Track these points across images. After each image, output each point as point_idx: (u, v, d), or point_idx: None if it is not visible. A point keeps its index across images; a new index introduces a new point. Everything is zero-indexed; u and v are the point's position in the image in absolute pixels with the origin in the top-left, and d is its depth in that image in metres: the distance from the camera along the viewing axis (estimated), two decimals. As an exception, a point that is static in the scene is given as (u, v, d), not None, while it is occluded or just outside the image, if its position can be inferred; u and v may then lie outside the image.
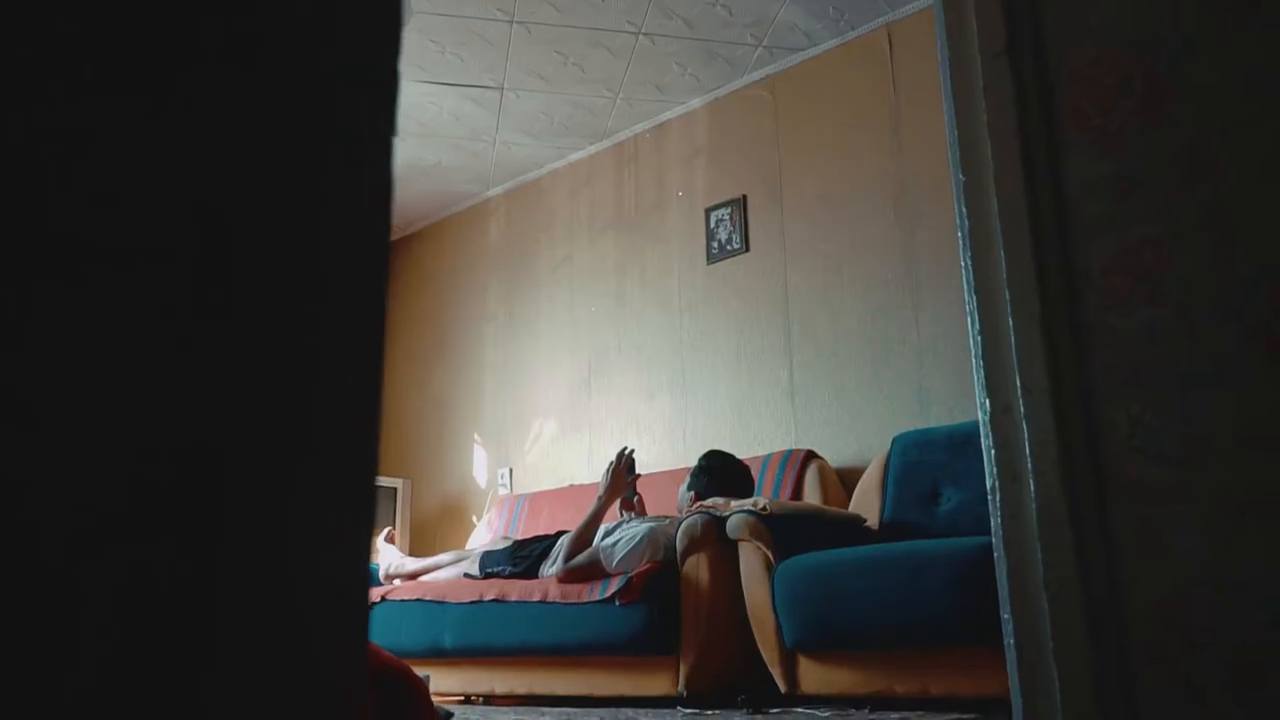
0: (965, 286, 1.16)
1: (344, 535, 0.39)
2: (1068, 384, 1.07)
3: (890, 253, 4.03)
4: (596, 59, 4.44)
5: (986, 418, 1.12)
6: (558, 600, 3.30)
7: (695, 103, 4.81)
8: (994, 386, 1.12)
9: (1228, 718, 0.99)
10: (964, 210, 1.18)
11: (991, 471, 1.11)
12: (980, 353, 1.13)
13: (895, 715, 2.51)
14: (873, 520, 3.41)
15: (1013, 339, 1.10)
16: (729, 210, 4.60)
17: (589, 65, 4.48)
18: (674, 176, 4.86)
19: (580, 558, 3.35)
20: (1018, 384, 1.09)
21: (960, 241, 1.18)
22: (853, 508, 3.56)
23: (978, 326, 1.14)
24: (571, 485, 4.73)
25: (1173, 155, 1.06)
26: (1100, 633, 1.01)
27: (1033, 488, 1.07)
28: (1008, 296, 1.11)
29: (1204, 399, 1.01)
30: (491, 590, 3.51)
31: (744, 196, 4.56)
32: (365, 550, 0.41)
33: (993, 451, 1.11)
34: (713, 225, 4.65)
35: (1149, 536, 1.02)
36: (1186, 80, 1.07)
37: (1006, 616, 1.07)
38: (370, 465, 0.41)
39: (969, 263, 1.16)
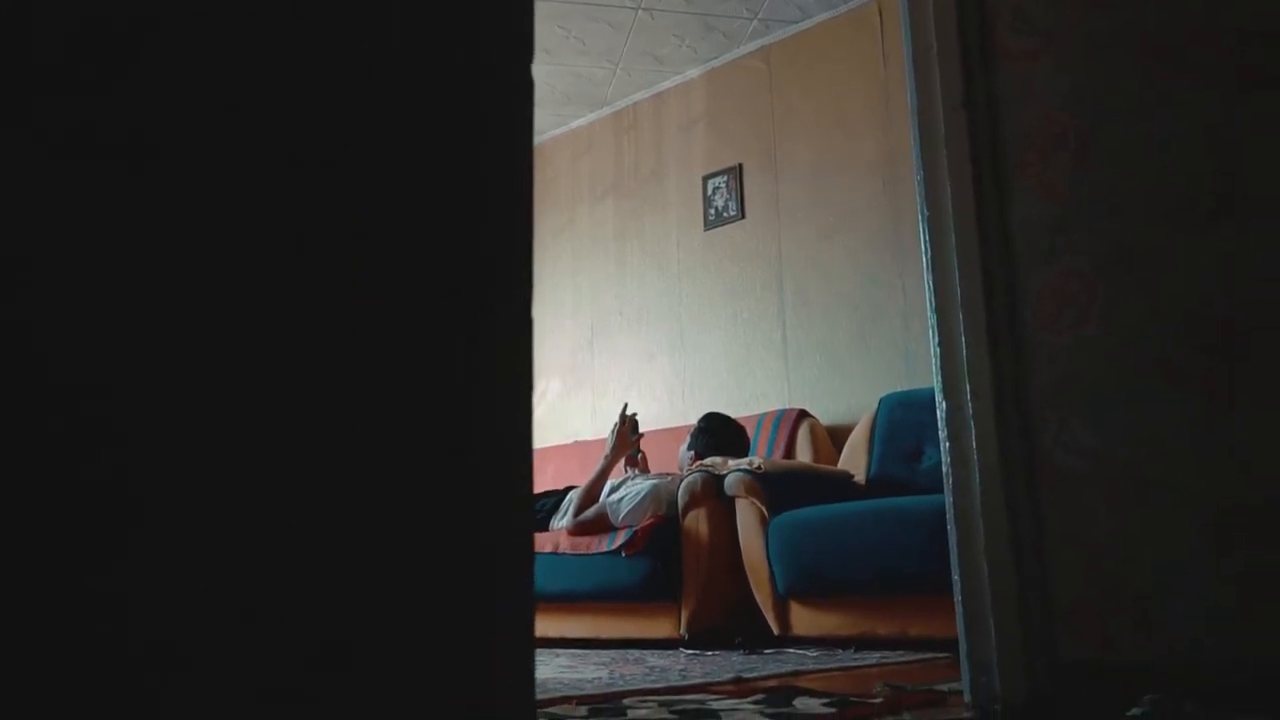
0: (927, 305, 1.39)
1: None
2: (1008, 389, 1.31)
3: (879, 221, 4.24)
4: (597, 32, 4.59)
5: (943, 415, 1.36)
6: (568, 552, 3.57)
7: (693, 72, 4.97)
8: (949, 389, 1.36)
9: (1129, 657, 1.25)
10: (927, 240, 1.40)
11: (946, 459, 1.35)
12: (939, 361, 1.37)
13: (877, 654, 2.78)
14: (860, 476, 3.67)
15: (964, 351, 1.34)
16: (725, 178, 4.79)
17: (590, 38, 4.64)
18: (672, 144, 5.04)
19: (588, 512, 3.62)
20: (967, 388, 1.33)
21: (923, 266, 1.40)
22: (841, 464, 3.82)
23: (937, 339, 1.37)
24: (576, 441, 4.98)
25: (1096, 201, 1.29)
26: (1027, 589, 1.26)
27: (978, 473, 1.31)
28: (961, 315, 1.34)
29: (1116, 406, 1.25)
30: (505, 542, 3.77)
31: (740, 165, 4.75)
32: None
33: (947, 443, 1.35)
34: (709, 192, 4.84)
35: (1069, 514, 1.27)
36: (1109, 139, 1.29)
37: (956, 577, 1.32)
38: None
39: (930, 284, 1.39)
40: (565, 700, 1.64)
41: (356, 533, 0.55)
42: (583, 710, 1.49)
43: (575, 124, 5.45)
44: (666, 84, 5.07)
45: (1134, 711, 1.12)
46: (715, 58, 4.87)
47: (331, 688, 0.52)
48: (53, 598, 0.44)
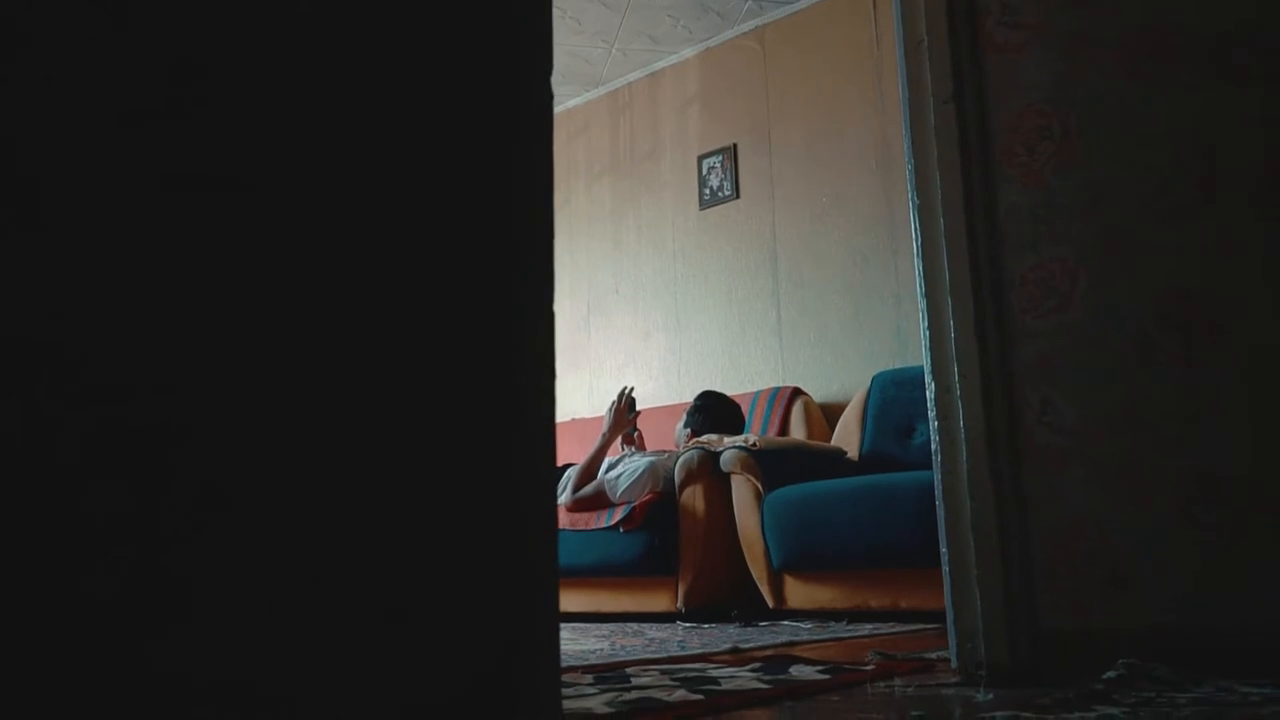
0: (918, 291, 1.45)
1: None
2: (994, 371, 1.37)
3: (872, 200, 4.29)
4: (592, 12, 4.62)
5: (932, 395, 1.42)
6: (567, 527, 3.64)
7: (688, 52, 5.00)
8: (938, 371, 1.42)
9: (1100, 621, 1.32)
10: (918, 228, 1.46)
11: (935, 438, 1.41)
12: (928, 344, 1.43)
13: (869, 626, 2.86)
14: (853, 452, 3.74)
15: (953, 334, 1.40)
16: (720, 158, 4.83)
17: (585, 18, 4.66)
18: (667, 124, 5.08)
19: (587, 489, 3.69)
20: (956, 370, 1.39)
21: (914, 253, 1.46)
22: (835, 441, 3.90)
23: (926, 323, 1.43)
24: (573, 419, 5.04)
25: (1078, 191, 1.35)
26: (1011, 562, 1.33)
27: (965, 451, 1.38)
28: (949, 300, 1.40)
29: (1095, 387, 1.31)
30: (505, 519, 3.84)
31: (734, 145, 4.79)
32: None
33: (936, 422, 1.41)
34: (705, 172, 4.89)
35: (1050, 489, 1.34)
36: (1092, 132, 1.35)
37: (944, 550, 1.39)
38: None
39: (920, 270, 1.45)
40: (571, 669, 1.71)
41: (408, 514, 0.61)
42: (589, 678, 1.56)
43: (571, 104, 5.47)
44: (662, 64, 5.10)
45: (1109, 675, 1.19)
46: (710, 38, 4.90)
47: (390, 645, 0.58)
48: (150, 574, 0.50)
